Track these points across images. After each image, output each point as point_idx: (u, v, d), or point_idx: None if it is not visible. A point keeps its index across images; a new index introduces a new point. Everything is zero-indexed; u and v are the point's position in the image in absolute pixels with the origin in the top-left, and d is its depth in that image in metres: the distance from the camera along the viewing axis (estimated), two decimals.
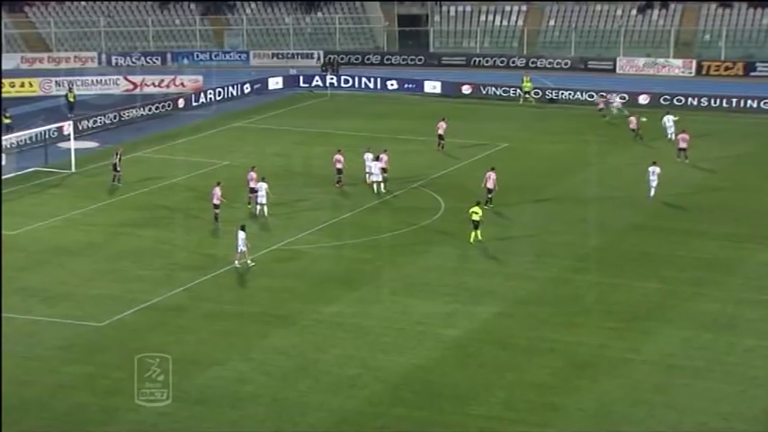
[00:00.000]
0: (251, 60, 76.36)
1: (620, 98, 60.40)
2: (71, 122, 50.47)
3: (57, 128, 50.67)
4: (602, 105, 59.51)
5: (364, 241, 38.43)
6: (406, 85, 67.62)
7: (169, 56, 75.19)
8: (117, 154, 45.26)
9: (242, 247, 35.09)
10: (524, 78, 64.93)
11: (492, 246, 37.96)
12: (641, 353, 29.57)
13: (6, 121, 53.01)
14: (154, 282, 34.18)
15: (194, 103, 61.62)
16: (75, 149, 48.17)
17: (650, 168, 43.99)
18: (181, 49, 76.48)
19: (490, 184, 41.82)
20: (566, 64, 75.36)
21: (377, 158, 44.77)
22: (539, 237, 39.43)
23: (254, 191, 41.07)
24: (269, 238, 38.34)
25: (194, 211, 41.62)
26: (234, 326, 31.02)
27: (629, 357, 29.27)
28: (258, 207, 40.59)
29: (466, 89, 66.53)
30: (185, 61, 75.19)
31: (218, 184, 40.13)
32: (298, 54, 76.73)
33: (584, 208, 43.06)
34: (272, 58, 76.58)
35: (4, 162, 47.04)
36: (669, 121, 54.20)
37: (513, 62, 75.90)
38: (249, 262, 35.38)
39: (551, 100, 64.53)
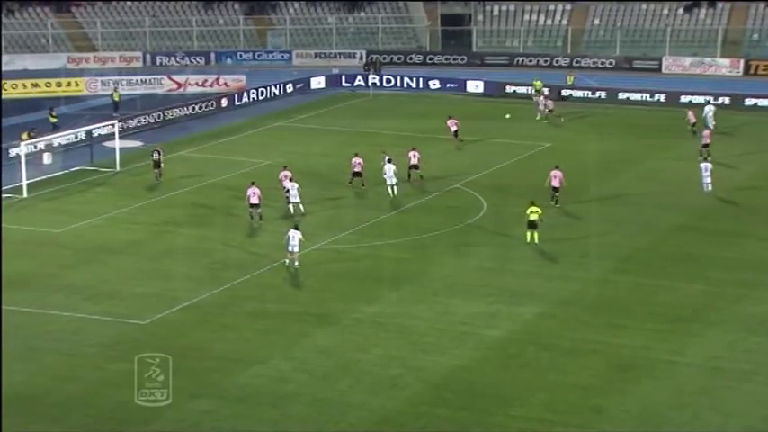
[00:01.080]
0: (294, 60, 76.73)
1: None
2: (116, 122, 51.05)
3: (102, 127, 51.27)
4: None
5: (405, 241, 38.44)
6: (448, 85, 67.54)
7: (213, 56, 75.80)
8: (158, 152, 45.73)
9: (295, 247, 35.10)
10: (536, 81, 64.35)
11: (535, 246, 37.75)
12: (685, 355, 29.26)
13: (53, 120, 53.74)
14: (196, 280, 34.47)
15: (237, 103, 62.04)
16: (120, 148, 48.73)
17: (702, 165, 43.62)
18: (224, 49, 77.07)
19: (556, 183, 41.81)
20: (610, 63, 74.78)
21: (409, 155, 45.17)
22: (582, 237, 39.17)
23: (288, 190, 41.37)
24: (310, 238, 38.46)
25: (236, 210, 41.89)
26: (276, 324, 31.19)
27: (674, 360, 28.98)
28: (291, 206, 40.76)
29: (509, 89, 66.25)
30: (229, 61, 75.77)
31: (253, 183, 40.30)
32: (340, 54, 76.95)
33: (628, 208, 42.70)
34: (315, 57, 76.89)
35: (49, 161, 47.70)
36: (710, 111, 53.74)
37: (557, 62, 75.46)
38: (296, 263, 35.44)
39: (597, 100, 64.12)
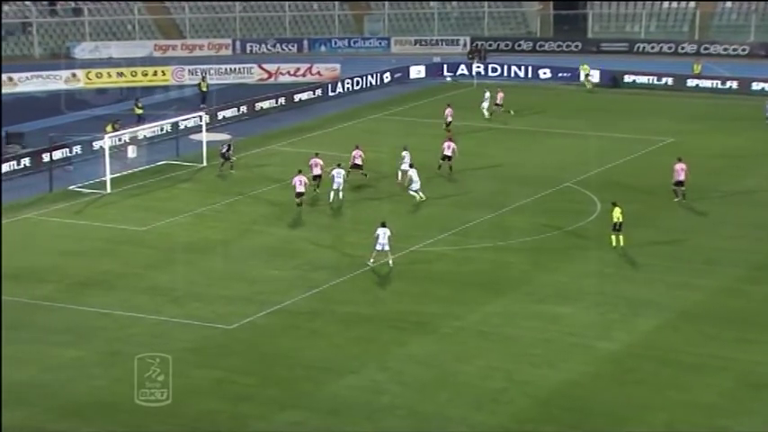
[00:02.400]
0: (392, 47, 77.01)
1: None
2: (203, 113, 52.03)
3: (189, 119, 52.32)
4: None
5: (511, 244, 38.20)
6: (560, 74, 66.91)
7: (306, 43, 76.61)
8: (228, 145, 46.47)
9: (386, 245, 35.36)
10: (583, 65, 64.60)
11: (654, 251, 37.12)
12: None
13: (138, 111, 55.05)
14: (286, 283, 34.91)
15: (331, 93, 62.58)
16: (207, 142, 49.63)
17: None
18: (318, 36, 77.83)
19: (681, 176, 41.42)
20: (743, 50, 73.04)
21: (448, 141, 46.15)
22: (708, 242, 38.37)
23: (317, 177, 42.59)
24: (408, 239, 38.59)
25: (328, 209, 42.30)
26: (369, 332, 31.37)
27: None
28: (332, 193, 41.81)
29: (628, 78, 65.26)
30: (323, 48, 76.49)
31: (300, 171, 41.63)
32: (442, 41, 76.93)
33: (759, 209, 41.66)
34: (415, 44, 77.02)
35: (134, 155, 48.90)
36: None
37: (683, 48, 74.05)
38: (390, 263, 35.68)
39: (728, 90, 62.70)
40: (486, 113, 56.61)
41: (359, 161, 44.84)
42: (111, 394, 27.40)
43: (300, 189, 41.16)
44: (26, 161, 47.08)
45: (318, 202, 43.11)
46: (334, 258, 37.07)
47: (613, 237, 37.20)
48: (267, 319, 32.21)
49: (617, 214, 37.16)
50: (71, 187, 44.94)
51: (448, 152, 46.12)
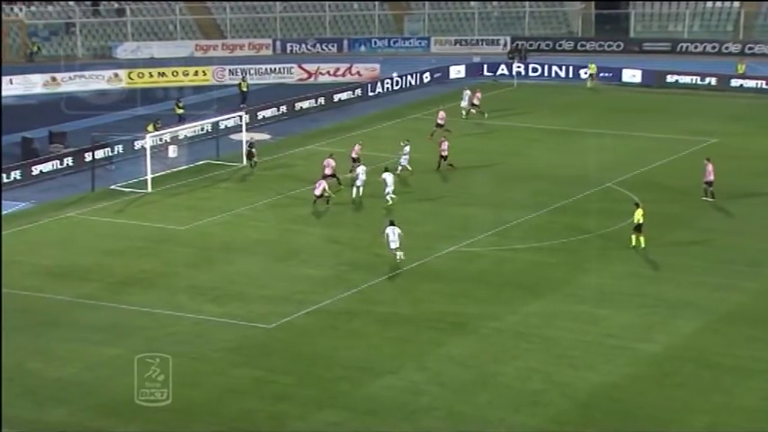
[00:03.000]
0: (432, 47, 76.98)
1: None
2: (243, 113, 52.28)
3: (229, 119, 52.61)
4: None
5: (551, 244, 38.02)
6: (601, 74, 66.53)
7: (346, 43, 76.78)
8: (249, 143, 46.98)
9: (396, 242, 35.48)
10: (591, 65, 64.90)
11: (695, 252, 36.78)
12: None
13: (179, 111, 55.44)
14: (324, 282, 34.99)
15: (370, 93, 62.64)
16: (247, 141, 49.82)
17: None
18: (358, 36, 77.95)
19: (710, 176, 41.56)
20: None
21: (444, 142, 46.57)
22: (751, 243, 37.98)
23: (328, 176, 42.70)
24: (447, 240, 38.54)
25: (371, 210, 42.34)
26: (407, 332, 31.36)
27: None
28: (355, 189, 42.39)
29: (671, 78, 64.76)
30: (362, 48, 76.60)
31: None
32: (482, 40, 76.77)
33: None
34: (455, 44, 76.94)
35: (175, 154, 49.24)
36: None
37: (727, 48, 73.36)
38: (401, 256, 35.66)
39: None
40: (463, 113, 56.10)
41: (329, 171, 43.78)
42: None
43: (318, 192, 41.61)
44: (69, 160, 47.60)
45: (363, 207, 43.13)
46: (373, 258, 37.08)
47: (633, 237, 37.06)
48: (306, 319, 32.30)
49: (638, 215, 36.91)
50: (113, 186, 45.36)
51: (445, 152, 46.40)
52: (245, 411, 26.71)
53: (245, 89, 60.28)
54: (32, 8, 74.45)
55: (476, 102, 56.70)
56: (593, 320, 31.93)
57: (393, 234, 35.52)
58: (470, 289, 34.45)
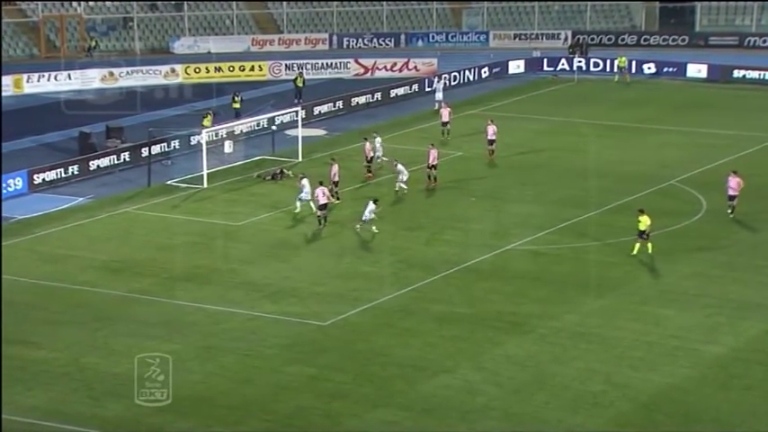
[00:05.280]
0: (490, 41, 76.61)
1: None
2: (299, 109, 52.44)
3: (284, 114, 52.81)
4: None
5: (611, 243, 37.64)
6: (665, 69, 65.74)
7: (403, 37, 76.69)
8: (284, 171, 45.99)
9: (368, 216, 37.50)
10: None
11: (763, 251, 36.16)
12: None
13: (236, 105, 55.77)
14: (380, 280, 34.98)
15: (428, 89, 62.51)
16: (303, 137, 50.03)
17: None
18: (415, 31, 77.83)
19: (734, 191, 39.34)
20: None
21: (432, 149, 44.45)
22: None
23: (337, 184, 41.94)
24: (505, 237, 38.34)
25: (424, 206, 42.23)
26: (464, 331, 31.24)
27: None
28: (397, 185, 42.06)
29: (737, 73, 63.78)
30: (420, 43, 76.47)
31: (321, 183, 39.99)
32: (542, 34, 76.22)
33: None
34: (514, 38, 76.48)
35: (231, 149, 49.56)
36: None
37: None
38: (374, 228, 36.67)
39: None
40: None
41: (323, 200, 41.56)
42: (207, 389, 27.81)
43: (323, 201, 39.52)
44: (126, 155, 48.12)
45: (408, 200, 43.07)
46: (429, 256, 37.01)
47: (637, 245, 35.89)
48: (361, 317, 32.32)
49: (642, 222, 35.82)
50: (169, 182, 45.77)
51: (433, 161, 44.14)
52: (299, 408, 26.81)
53: (300, 84, 60.43)
54: (91, 3, 75.42)
55: (445, 118, 51.48)
56: (655, 321, 31.56)
57: (367, 208, 36.80)
58: (528, 288, 34.22)
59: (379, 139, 46.63)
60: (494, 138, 47.52)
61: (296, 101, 57.76)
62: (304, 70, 64.11)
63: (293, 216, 41.20)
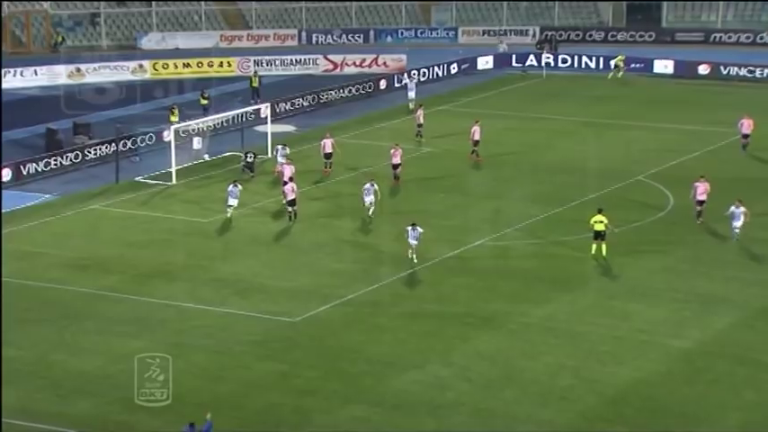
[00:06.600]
0: (459, 38, 76.70)
1: None
2: (268, 105, 52.27)
3: (253, 111, 52.64)
4: None
5: (579, 239, 37.81)
6: (632, 65, 66.07)
7: (372, 33, 76.64)
8: (252, 155, 45.87)
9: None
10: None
11: (730, 247, 36.50)
12: None
13: (204, 102, 55.50)
14: (350, 276, 34.99)
15: (396, 85, 62.52)
16: (272, 133, 49.88)
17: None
18: (384, 27, 77.79)
19: (701, 196, 38.62)
20: None
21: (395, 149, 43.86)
22: None
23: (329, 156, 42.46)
24: (474, 233, 38.45)
25: (393, 203, 42.26)
26: (434, 327, 31.32)
27: None
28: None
29: (703, 69, 64.27)
30: (389, 39, 76.45)
31: (292, 179, 40.10)
32: (511, 30, 76.41)
33: None
34: (483, 35, 76.60)
35: (199, 146, 49.33)
36: None
37: (762, 38, 72.65)
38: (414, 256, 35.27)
39: None
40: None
41: (397, 160, 43.40)
42: (177, 386, 27.59)
43: (292, 196, 39.60)
44: (93, 152, 47.79)
45: (389, 200, 43.09)
46: (399, 252, 37.03)
47: (593, 245, 35.70)
48: (331, 313, 32.32)
49: (599, 222, 35.55)
50: (137, 178, 45.53)
51: (396, 160, 43.76)
52: (269, 405, 26.78)
53: (256, 84, 59.51)
54: None
55: (420, 120, 50.83)
56: (623, 316, 31.77)
57: (413, 231, 35.16)
58: (498, 283, 34.35)
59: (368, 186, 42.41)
60: (478, 139, 46.87)
61: (253, 101, 57.12)
62: (259, 68, 63.70)
63: (264, 212, 41.14)
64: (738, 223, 36.65)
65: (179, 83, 62.71)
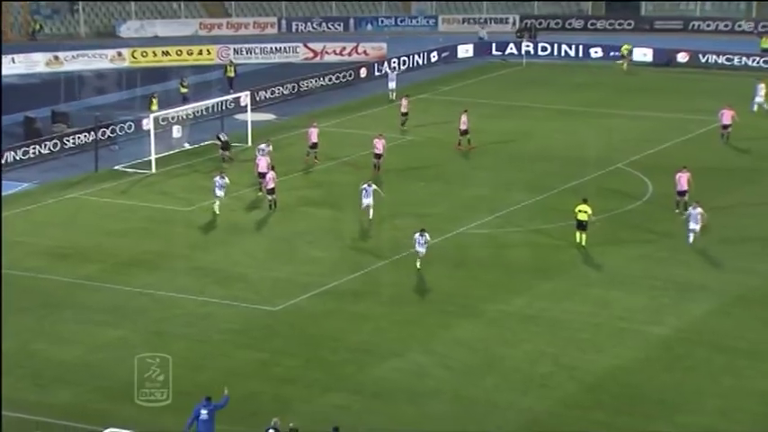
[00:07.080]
0: (439, 26, 76.70)
1: None
2: (248, 93, 52.10)
3: (233, 99, 52.48)
4: None
5: (560, 226, 37.95)
6: (612, 53, 66.22)
7: (352, 21, 76.50)
8: (219, 137, 45.98)
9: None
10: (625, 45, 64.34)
11: (707, 236, 36.69)
12: None
13: (183, 90, 55.29)
14: (330, 264, 35.00)
15: (377, 73, 62.46)
16: (252, 122, 49.79)
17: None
18: (364, 15, 77.66)
19: (683, 186, 38.29)
20: None
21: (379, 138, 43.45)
22: (765, 224, 37.83)
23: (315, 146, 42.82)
24: (455, 222, 38.51)
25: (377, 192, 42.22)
26: (414, 315, 31.39)
27: None
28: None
29: (682, 57, 64.50)
30: (369, 27, 76.35)
31: (273, 168, 40.16)
32: (491, 19, 76.43)
33: None
34: (463, 23, 76.62)
35: (179, 134, 49.16)
36: (760, 90, 51.80)
37: (740, 26, 73.01)
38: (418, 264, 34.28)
39: None
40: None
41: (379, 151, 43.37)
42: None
43: (272, 185, 39.57)
44: (72, 140, 47.56)
45: (358, 185, 43.05)
46: (380, 240, 37.08)
47: (576, 234, 35.78)
48: (311, 302, 32.33)
49: (582, 212, 35.56)
50: (116, 167, 45.35)
51: (379, 150, 43.55)
52: (250, 394, 26.78)
53: (232, 74, 59.19)
54: None
55: (404, 109, 50.72)
56: (602, 303, 31.92)
57: (421, 238, 33.99)
58: (478, 271, 34.44)
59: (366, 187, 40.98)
60: (465, 128, 46.76)
61: (232, 90, 56.81)
62: (254, 54, 63.59)
63: (244, 201, 41.08)
64: (696, 226, 35.42)
65: (158, 71, 62.44)
